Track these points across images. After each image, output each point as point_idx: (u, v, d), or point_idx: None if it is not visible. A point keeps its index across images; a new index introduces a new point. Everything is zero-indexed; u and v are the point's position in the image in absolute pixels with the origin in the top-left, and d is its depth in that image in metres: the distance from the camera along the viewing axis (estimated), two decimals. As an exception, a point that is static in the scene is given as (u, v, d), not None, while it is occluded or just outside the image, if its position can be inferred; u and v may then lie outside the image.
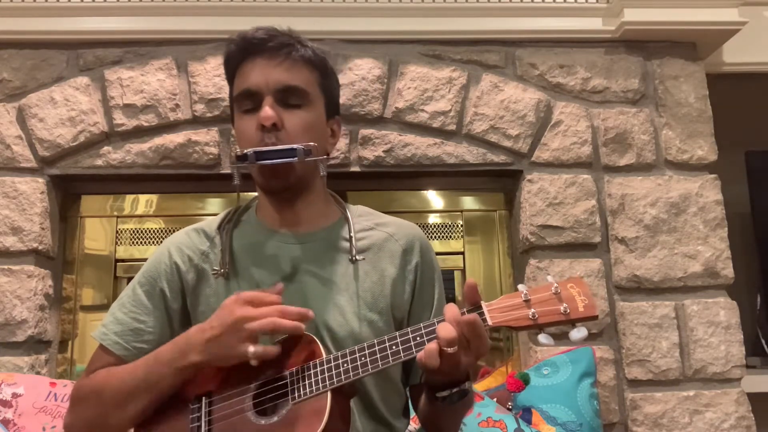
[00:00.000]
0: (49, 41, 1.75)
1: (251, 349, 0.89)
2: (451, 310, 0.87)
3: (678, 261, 1.74)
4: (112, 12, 1.76)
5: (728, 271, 1.75)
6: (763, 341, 1.95)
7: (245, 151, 1.02)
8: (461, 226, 1.89)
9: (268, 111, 1.02)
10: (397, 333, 0.91)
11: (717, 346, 1.70)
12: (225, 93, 1.74)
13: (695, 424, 1.65)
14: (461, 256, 1.87)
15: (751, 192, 2.00)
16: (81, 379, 1.05)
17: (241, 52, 1.09)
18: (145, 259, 1.14)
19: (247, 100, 1.06)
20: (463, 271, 1.86)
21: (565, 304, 0.86)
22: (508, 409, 1.52)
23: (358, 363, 0.90)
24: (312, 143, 1.03)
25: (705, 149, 1.82)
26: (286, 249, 1.08)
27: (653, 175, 1.80)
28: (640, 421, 1.65)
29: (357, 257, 1.07)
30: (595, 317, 0.86)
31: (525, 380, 1.52)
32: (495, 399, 1.52)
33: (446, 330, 0.84)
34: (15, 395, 1.43)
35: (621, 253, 1.75)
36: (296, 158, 1.01)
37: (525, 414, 1.48)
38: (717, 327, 1.71)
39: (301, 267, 1.07)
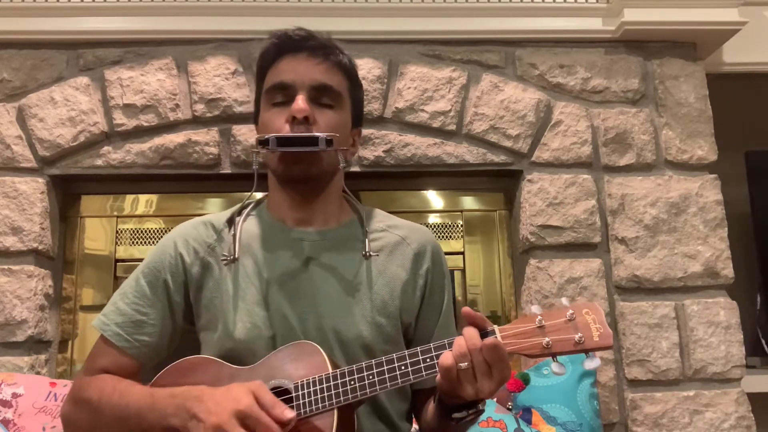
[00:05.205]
0: (49, 41, 1.75)
1: None
2: (470, 334, 0.85)
3: (678, 261, 1.74)
4: (112, 12, 1.75)
5: (728, 271, 1.75)
6: (763, 341, 1.95)
7: (266, 136, 1.01)
8: (461, 226, 1.89)
9: (301, 104, 1.02)
10: (407, 353, 0.90)
11: (717, 346, 1.70)
12: (225, 93, 1.74)
13: (695, 424, 1.65)
14: (461, 256, 1.86)
15: (751, 192, 2.00)
16: (85, 376, 1.04)
17: (279, 48, 1.08)
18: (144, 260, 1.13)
19: (279, 93, 1.06)
20: (463, 270, 1.85)
21: (580, 334, 0.84)
22: (508, 409, 1.52)
23: (366, 382, 0.89)
24: (335, 134, 1.03)
25: (705, 149, 1.82)
26: (298, 244, 1.07)
27: (653, 175, 1.80)
28: (640, 421, 1.65)
29: (371, 253, 1.06)
30: (610, 347, 0.84)
31: (525, 380, 1.52)
32: (495, 399, 1.52)
33: (445, 357, 0.85)
34: (15, 395, 1.42)
35: (621, 253, 1.74)
36: (318, 146, 1.00)
37: (525, 414, 1.48)
38: (717, 327, 1.71)
39: (311, 263, 1.06)
